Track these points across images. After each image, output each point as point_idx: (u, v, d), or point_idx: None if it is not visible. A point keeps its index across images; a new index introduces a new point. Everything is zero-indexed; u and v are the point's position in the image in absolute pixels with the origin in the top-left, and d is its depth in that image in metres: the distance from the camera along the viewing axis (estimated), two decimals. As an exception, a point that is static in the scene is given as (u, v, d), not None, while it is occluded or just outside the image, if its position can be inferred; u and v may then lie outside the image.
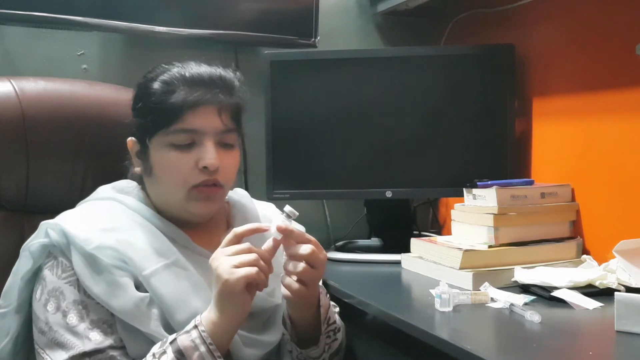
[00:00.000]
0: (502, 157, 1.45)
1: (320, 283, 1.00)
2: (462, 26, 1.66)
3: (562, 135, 1.36)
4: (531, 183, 1.31)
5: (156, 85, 0.97)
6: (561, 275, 1.07)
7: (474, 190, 1.28)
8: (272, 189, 1.49)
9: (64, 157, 1.13)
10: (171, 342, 0.84)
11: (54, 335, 0.87)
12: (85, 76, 1.44)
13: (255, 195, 1.20)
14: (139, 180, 1.03)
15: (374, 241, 1.63)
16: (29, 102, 1.11)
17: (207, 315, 0.85)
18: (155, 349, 0.84)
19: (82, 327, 0.87)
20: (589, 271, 1.11)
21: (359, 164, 1.48)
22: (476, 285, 1.12)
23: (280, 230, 0.88)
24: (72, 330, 0.87)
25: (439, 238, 1.36)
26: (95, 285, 0.88)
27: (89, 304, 0.88)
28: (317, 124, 1.49)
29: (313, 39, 1.59)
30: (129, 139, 1.02)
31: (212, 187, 0.97)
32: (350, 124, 1.47)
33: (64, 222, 0.92)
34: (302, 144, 1.49)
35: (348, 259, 1.44)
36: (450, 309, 0.99)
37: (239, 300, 0.84)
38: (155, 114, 0.96)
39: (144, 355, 0.85)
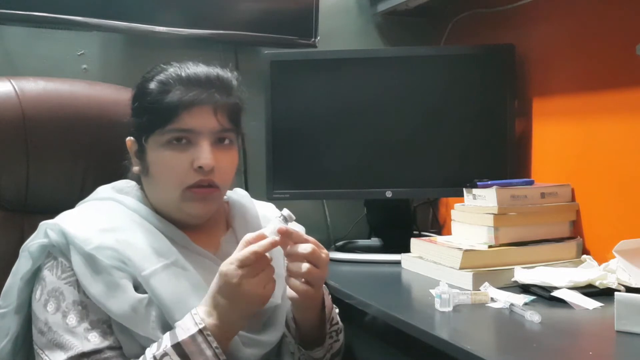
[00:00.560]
0: (502, 157, 1.45)
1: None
2: (462, 26, 1.66)
3: (562, 135, 1.36)
4: (531, 183, 1.31)
5: (152, 85, 0.97)
6: (561, 275, 1.07)
7: (474, 190, 1.28)
8: (272, 189, 1.48)
9: (64, 157, 1.13)
10: (174, 346, 0.83)
11: (53, 336, 0.87)
12: (85, 76, 1.44)
13: (255, 195, 1.20)
14: (138, 180, 1.03)
15: (374, 241, 1.63)
16: (29, 102, 1.11)
17: (213, 322, 0.84)
18: (154, 350, 0.84)
19: (82, 328, 0.87)
20: (589, 271, 1.11)
21: (359, 164, 1.48)
22: (476, 285, 1.12)
23: (280, 232, 0.88)
24: (71, 331, 0.87)
25: (439, 238, 1.36)
26: (93, 286, 0.88)
27: (88, 304, 0.88)
28: (317, 124, 1.49)
29: (313, 39, 1.59)
30: (128, 138, 1.02)
31: (207, 188, 0.97)
32: (350, 124, 1.47)
33: (63, 223, 0.92)
34: (302, 144, 1.49)
35: (348, 259, 1.44)
36: (450, 309, 0.99)
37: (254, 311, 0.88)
38: (151, 114, 0.96)
39: (140, 356, 0.85)
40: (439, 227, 1.74)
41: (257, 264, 0.85)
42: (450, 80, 1.46)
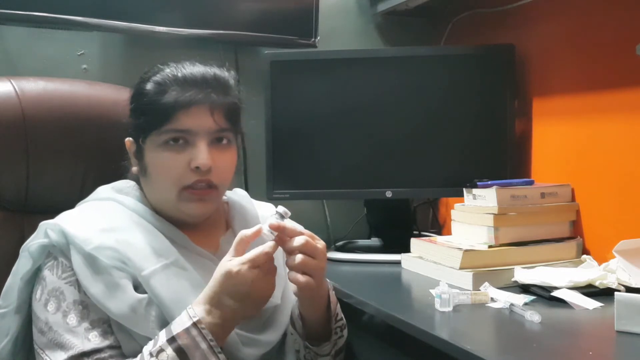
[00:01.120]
0: (502, 157, 1.45)
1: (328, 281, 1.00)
2: (462, 26, 1.66)
3: (562, 135, 1.36)
4: (531, 183, 1.31)
5: (149, 86, 0.97)
6: (561, 275, 1.07)
7: (474, 190, 1.28)
8: (272, 189, 1.48)
9: (64, 157, 1.13)
10: (169, 340, 0.83)
11: (53, 336, 0.87)
12: (85, 76, 1.44)
13: (255, 195, 1.20)
14: (138, 180, 1.03)
15: (374, 241, 1.63)
16: (29, 102, 1.11)
17: (212, 321, 0.84)
18: (150, 347, 0.84)
19: (82, 327, 0.87)
20: (589, 271, 1.11)
21: (359, 164, 1.48)
22: (476, 285, 1.12)
23: (273, 228, 0.88)
24: (71, 330, 0.87)
25: (439, 238, 1.36)
26: (93, 286, 0.88)
27: (89, 304, 0.88)
28: (317, 124, 1.49)
29: (313, 39, 1.59)
30: (127, 139, 1.02)
31: (205, 189, 0.97)
32: (350, 124, 1.47)
33: (63, 223, 0.92)
34: (302, 144, 1.49)
35: (348, 259, 1.44)
36: (450, 309, 0.99)
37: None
38: (148, 115, 0.96)
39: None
40: (439, 227, 1.74)
41: (267, 264, 0.86)
42: (450, 80, 1.46)
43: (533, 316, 0.92)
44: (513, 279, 1.12)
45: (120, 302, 0.87)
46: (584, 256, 1.24)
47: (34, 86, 1.13)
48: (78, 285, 0.89)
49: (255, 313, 0.89)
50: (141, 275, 0.89)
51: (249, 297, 0.85)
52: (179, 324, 0.84)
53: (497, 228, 1.21)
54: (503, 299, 1.02)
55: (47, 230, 0.92)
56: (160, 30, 1.42)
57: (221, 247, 1.02)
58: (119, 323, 0.88)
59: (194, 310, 0.85)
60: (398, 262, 1.36)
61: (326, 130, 1.48)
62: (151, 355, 0.82)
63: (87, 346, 0.85)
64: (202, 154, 0.94)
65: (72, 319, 0.87)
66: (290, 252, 0.89)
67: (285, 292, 1.03)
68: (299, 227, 0.92)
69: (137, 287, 0.90)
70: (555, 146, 1.39)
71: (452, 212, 1.34)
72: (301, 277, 0.88)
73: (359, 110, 1.47)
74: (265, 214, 1.12)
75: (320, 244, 0.90)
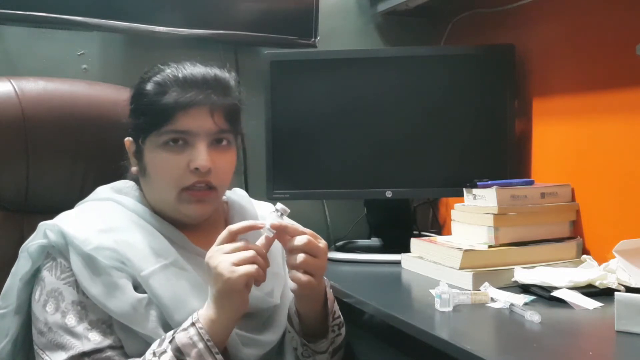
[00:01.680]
0: (502, 157, 1.45)
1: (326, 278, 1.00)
2: (462, 26, 1.66)
3: (562, 135, 1.36)
4: (531, 183, 1.31)
5: (149, 86, 0.97)
6: (561, 275, 1.07)
7: (474, 190, 1.28)
8: (272, 189, 1.48)
9: (63, 157, 1.13)
10: (170, 341, 0.84)
11: (53, 336, 0.87)
12: (85, 76, 1.44)
13: (255, 195, 1.20)
14: (137, 180, 1.03)
15: (374, 241, 1.63)
16: (29, 102, 1.11)
17: (205, 313, 0.85)
18: (155, 346, 0.84)
19: (81, 327, 0.87)
20: (589, 271, 1.11)
21: (359, 164, 1.48)
22: (476, 285, 1.11)
23: (274, 227, 0.88)
24: (71, 331, 0.87)
25: (439, 238, 1.36)
26: (93, 286, 0.88)
27: (87, 304, 0.88)
28: (317, 124, 1.49)
29: (313, 39, 1.59)
30: (126, 139, 1.02)
31: (204, 190, 0.97)
32: (350, 124, 1.47)
33: (62, 223, 0.92)
34: (302, 144, 1.49)
35: (348, 259, 1.44)
36: (450, 309, 0.99)
37: (239, 297, 0.85)
38: (148, 115, 0.96)
39: (143, 354, 0.85)
40: (439, 227, 1.74)
41: (233, 243, 0.85)
42: (450, 80, 1.46)
43: (533, 316, 0.92)
44: (513, 279, 1.12)
45: (120, 301, 0.87)
46: (584, 256, 1.23)
47: (34, 86, 1.13)
48: (77, 285, 0.89)
49: (241, 301, 0.86)
50: (140, 276, 0.89)
51: (210, 272, 0.84)
52: (182, 325, 0.85)
53: (497, 228, 1.21)
54: (503, 299, 1.02)
55: (46, 231, 0.92)
56: (160, 30, 1.42)
57: (220, 248, 1.02)
58: (121, 322, 0.88)
59: (196, 313, 0.86)
60: (398, 262, 1.36)
61: (326, 131, 1.48)
62: (154, 354, 0.83)
63: (88, 346, 0.86)
64: (201, 155, 0.94)
65: (71, 320, 0.87)
66: (291, 251, 0.89)
67: (285, 292, 1.03)
68: (299, 227, 0.92)
69: (137, 287, 0.90)
70: (555, 146, 1.39)
71: (452, 212, 1.34)
72: (303, 276, 0.88)
73: (359, 110, 1.47)
74: (265, 214, 1.12)
75: (322, 243, 0.91)
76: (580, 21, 1.31)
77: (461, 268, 1.16)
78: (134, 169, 1.01)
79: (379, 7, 1.73)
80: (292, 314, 1.00)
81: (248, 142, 1.53)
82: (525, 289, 1.09)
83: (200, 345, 0.83)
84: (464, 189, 1.31)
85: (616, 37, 1.23)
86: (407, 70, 1.46)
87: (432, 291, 1.03)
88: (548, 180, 1.37)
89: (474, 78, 1.46)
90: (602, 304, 0.99)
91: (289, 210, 0.92)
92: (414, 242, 1.34)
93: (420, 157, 1.47)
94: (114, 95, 1.20)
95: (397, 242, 1.40)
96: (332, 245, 1.58)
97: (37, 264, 0.93)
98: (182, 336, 0.83)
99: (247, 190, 1.17)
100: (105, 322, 0.88)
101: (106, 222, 0.94)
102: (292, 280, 0.90)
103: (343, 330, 1.06)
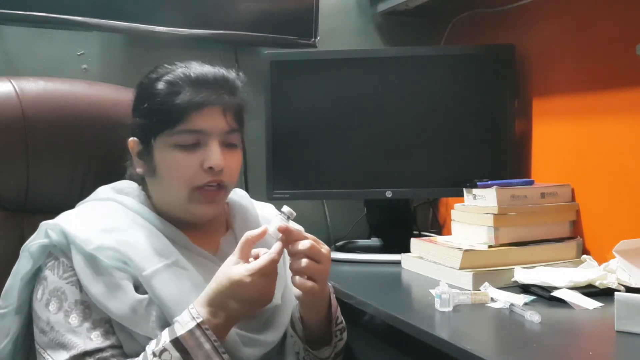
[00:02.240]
0: (502, 157, 1.45)
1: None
2: (462, 26, 1.66)
3: (562, 135, 1.36)
4: (531, 183, 1.31)
5: (160, 85, 0.96)
6: (561, 275, 1.07)
7: (474, 190, 1.28)
8: (272, 189, 1.49)
9: (64, 157, 1.13)
10: (172, 341, 0.83)
11: (55, 336, 0.87)
12: (85, 76, 1.44)
13: (255, 195, 1.20)
14: (139, 181, 1.03)
15: (374, 241, 1.63)
16: (29, 102, 1.11)
17: (214, 320, 0.84)
18: (153, 346, 0.83)
19: (84, 327, 0.87)
20: (589, 271, 1.11)
21: (359, 164, 1.48)
22: (476, 285, 1.12)
23: (281, 230, 0.88)
24: (73, 330, 0.87)
25: (439, 238, 1.36)
26: (94, 286, 0.88)
27: (90, 303, 0.88)
28: (317, 124, 1.49)
29: (313, 39, 1.59)
30: (130, 139, 1.01)
31: (216, 190, 0.97)
32: (350, 124, 1.47)
33: (63, 223, 0.92)
34: (302, 144, 1.49)
35: (348, 259, 1.44)
36: (450, 309, 0.99)
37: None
38: (160, 115, 0.95)
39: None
40: (439, 227, 1.74)
41: (272, 269, 0.86)
42: (450, 80, 1.46)
43: (533, 316, 0.92)
44: (513, 279, 1.12)
45: (121, 302, 0.87)
46: (584, 256, 1.24)
47: (34, 86, 1.13)
48: (79, 285, 0.89)
49: (256, 313, 0.90)
50: (142, 276, 0.89)
51: (255, 302, 0.87)
52: (182, 325, 0.84)
53: (497, 228, 1.21)
54: (503, 299, 1.02)
55: (48, 231, 0.92)
56: (160, 30, 1.42)
57: (221, 248, 1.02)
58: (120, 323, 0.88)
59: (196, 311, 0.85)
60: (398, 262, 1.36)
61: (326, 130, 1.48)
62: (154, 355, 0.82)
63: (90, 346, 0.85)
64: (215, 154, 0.95)
65: (74, 319, 0.87)
66: (295, 255, 0.89)
67: (286, 293, 1.03)
68: (303, 232, 0.92)
69: (138, 288, 0.90)
70: (555, 146, 1.39)
71: (452, 212, 1.34)
72: (307, 282, 0.89)
73: (359, 110, 1.47)
74: (266, 214, 1.12)
75: (325, 248, 0.91)
76: (580, 21, 1.32)
77: (461, 268, 1.16)
78: (139, 169, 1.01)
79: (379, 7, 1.73)
80: (295, 320, 1.00)
81: (248, 142, 1.52)
82: (525, 289, 1.10)
83: (207, 346, 0.82)
84: (464, 189, 1.32)
85: (616, 37, 1.23)
86: (407, 70, 1.46)
87: (432, 291, 1.03)
88: (548, 180, 1.37)
89: (474, 78, 1.46)
90: (602, 304, 0.99)
91: (295, 214, 0.92)
92: (414, 242, 1.34)
93: (420, 157, 1.47)
94: (114, 95, 1.20)
95: (397, 242, 1.41)
96: (332, 245, 1.58)
97: (38, 263, 0.93)
98: (187, 337, 0.83)
99: (247, 190, 1.17)
100: (107, 322, 0.88)
101: (107, 222, 0.94)
102: (296, 286, 0.90)
103: (345, 334, 1.06)
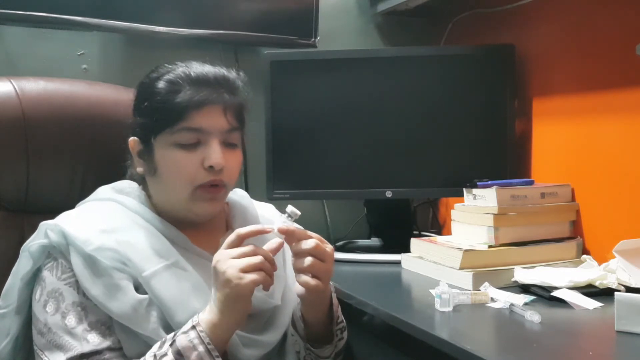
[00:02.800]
0: (502, 157, 1.45)
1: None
2: (462, 26, 1.66)
3: (562, 135, 1.36)
4: (531, 183, 1.31)
5: (161, 84, 0.97)
6: (561, 275, 1.07)
7: (474, 190, 1.28)
8: (272, 189, 1.49)
9: (64, 157, 1.13)
10: (171, 344, 0.83)
11: (52, 337, 0.87)
12: (85, 76, 1.44)
13: (255, 195, 1.20)
14: (140, 180, 1.03)
15: (374, 241, 1.63)
16: (29, 102, 1.11)
17: (207, 317, 0.85)
18: (156, 349, 0.84)
19: (81, 328, 0.87)
20: (589, 271, 1.11)
21: (359, 164, 1.48)
22: (476, 285, 1.12)
23: (281, 232, 0.88)
24: (70, 332, 0.86)
25: (439, 238, 1.36)
26: (93, 287, 0.88)
27: (87, 305, 0.88)
28: (317, 124, 1.49)
29: (313, 39, 1.59)
30: (131, 138, 1.01)
31: (216, 188, 0.97)
32: (350, 124, 1.47)
33: (63, 223, 0.92)
34: (302, 144, 1.49)
35: (348, 259, 1.44)
36: (450, 309, 0.99)
37: (245, 303, 0.85)
38: (161, 113, 0.95)
39: (143, 355, 0.85)
40: (439, 227, 1.74)
41: (241, 248, 0.85)
42: (450, 80, 1.46)
43: (533, 316, 0.92)
44: (513, 279, 1.12)
45: (121, 302, 0.87)
46: (584, 256, 1.24)
47: (34, 86, 1.13)
48: (77, 286, 0.89)
49: (246, 307, 0.86)
50: (142, 276, 0.89)
51: (217, 277, 0.84)
52: (183, 328, 0.85)
53: (497, 228, 1.21)
54: (503, 299, 1.02)
55: (47, 231, 0.92)
56: (160, 30, 1.42)
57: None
58: (121, 323, 0.87)
59: (197, 316, 0.85)
60: (398, 262, 1.36)
61: (326, 130, 1.48)
62: (155, 357, 0.83)
63: (86, 348, 0.85)
64: (215, 153, 0.95)
65: (71, 320, 0.87)
66: (298, 254, 0.89)
67: (286, 293, 1.03)
68: (306, 232, 0.92)
69: (138, 288, 0.90)
70: (555, 146, 1.39)
71: (452, 212, 1.34)
72: (311, 280, 0.89)
73: (359, 110, 1.47)
74: (266, 214, 1.12)
75: (329, 247, 0.91)
76: (580, 21, 1.32)
77: (461, 268, 1.16)
78: (139, 169, 1.01)
79: (379, 7, 1.73)
80: (296, 319, 1.00)
81: (248, 142, 1.52)
82: (525, 289, 1.10)
83: (201, 348, 0.82)
84: (464, 189, 1.32)
85: (616, 37, 1.23)
86: (407, 70, 1.46)
87: (432, 291, 1.03)
88: (548, 180, 1.37)
89: (474, 78, 1.46)
90: (602, 304, 0.99)
91: (299, 213, 0.92)
92: (414, 242, 1.34)
93: (420, 157, 1.47)
94: (114, 95, 1.20)
95: (397, 242, 1.41)
96: (332, 246, 1.58)
97: (37, 263, 0.92)
98: (182, 339, 0.83)
99: (247, 191, 1.17)
100: (104, 324, 0.88)
101: (107, 222, 0.94)
102: (300, 284, 0.90)
103: (345, 334, 1.07)
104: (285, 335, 1.02)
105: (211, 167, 0.95)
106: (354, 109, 1.47)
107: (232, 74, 1.00)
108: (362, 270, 1.37)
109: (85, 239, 0.89)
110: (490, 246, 1.21)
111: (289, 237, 0.89)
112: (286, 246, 0.91)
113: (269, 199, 1.44)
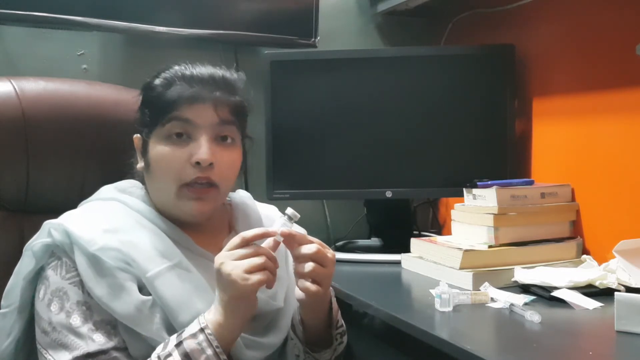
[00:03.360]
0: (502, 157, 1.45)
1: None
2: (462, 26, 1.66)
3: (562, 135, 1.36)
4: (531, 183, 1.31)
5: (157, 81, 0.98)
6: (561, 275, 1.07)
7: (474, 190, 1.28)
8: (272, 189, 1.49)
9: (64, 157, 1.13)
10: (177, 345, 0.83)
11: (57, 336, 0.86)
12: (85, 76, 1.44)
13: (255, 195, 1.20)
14: (143, 180, 1.03)
15: (374, 241, 1.63)
16: (29, 102, 1.11)
17: (213, 318, 0.85)
18: (159, 350, 0.84)
19: (86, 328, 0.87)
20: (589, 271, 1.11)
21: (359, 164, 1.48)
22: (476, 285, 1.12)
23: (283, 235, 0.88)
24: (75, 331, 0.86)
25: (439, 238, 1.36)
26: (98, 287, 0.87)
27: (92, 305, 0.88)
28: (317, 124, 1.49)
29: (313, 39, 1.59)
30: (135, 135, 1.02)
31: (204, 187, 0.96)
32: (350, 124, 1.47)
33: (67, 223, 0.92)
34: (302, 144, 1.49)
35: (348, 259, 1.44)
36: (450, 309, 0.99)
37: (250, 303, 0.85)
38: (154, 107, 0.97)
39: (147, 356, 0.85)
40: (439, 227, 1.74)
41: (244, 249, 0.85)
42: (450, 80, 1.46)
43: (533, 316, 0.92)
44: (513, 279, 1.12)
45: (125, 303, 0.87)
46: (584, 256, 1.24)
47: (34, 86, 1.13)
48: (82, 285, 0.89)
49: (251, 308, 0.86)
50: (145, 277, 0.89)
51: (221, 279, 0.84)
52: (188, 330, 0.85)
53: (497, 228, 1.21)
54: (503, 299, 1.02)
55: (51, 230, 0.92)
56: (160, 30, 1.42)
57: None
58: (125, 324, 0.87)
59: (204, 317, 0.85)
60: (398, 262, 1.36)
61: (326, 130, 1.48)
62: (159, 358, 0.83)
63: (92, 347, 0.85)
64: (202, 148, 0.94)
65: (76, 320, 0.87)
66: (300, 259, 0.89)
67: (288, 295, 1.02)
68: (306, 234, 0.92)
69: (141, 288, 0.89)
70: (555, 146, 1.39)
71: (452, 212, 1.34)
72: (312, 286, 0.88)
73: (359, 110, 1.47)
74: (269, 215, 1.12)
75: (330, 253, 0.91)
76: (580, 21, 1.32)
77: (461, 268, 1.16)
78: (138, 166, 1.01)
79: (379, 7, 1.73)
80: (296, 323, 1.00)
81: (248, 141, 1.52)
82: (525, 289, 1.10)
83: (209, 351, 0.82)
84: (464, 189, 1.32)
85: (616, 37, 1.23)
86: (407, 70, 1.46)
87: (432, 291, 1.03)
88: (548, 180, 1.37)
89: (474, 78, 1.46)
90: (602, 304, 0.99)
91: (299, 216, 0.91)
92: (414, 242, 1.34)
93: (420, 157, 1.47)
94: (114, 95, 1.20)
95: (397, 242, 1.41)
96: (332, 246, 1.58)
97: (40, 263, 0.92)
98: (190, 342, 0.83)
99: (247, 191, 1.17)
100: (109, 323, 0.88)
101: (111, 222, 0.94)
102: (301, 289, 0.90)
103: (345, 338, 1.06)
104: (287, 338, 1.02)
105: (198, 163, 0.94)
106: (354, 109, 1.47)
107: (232, 76, 1.00)
108: (362, 270, 1.37)
109: (90, 239, 0.89)
110: (490, 246, 1.21)
111: (290, 241, 0.89)
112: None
113: (269, 199, 1.44)
